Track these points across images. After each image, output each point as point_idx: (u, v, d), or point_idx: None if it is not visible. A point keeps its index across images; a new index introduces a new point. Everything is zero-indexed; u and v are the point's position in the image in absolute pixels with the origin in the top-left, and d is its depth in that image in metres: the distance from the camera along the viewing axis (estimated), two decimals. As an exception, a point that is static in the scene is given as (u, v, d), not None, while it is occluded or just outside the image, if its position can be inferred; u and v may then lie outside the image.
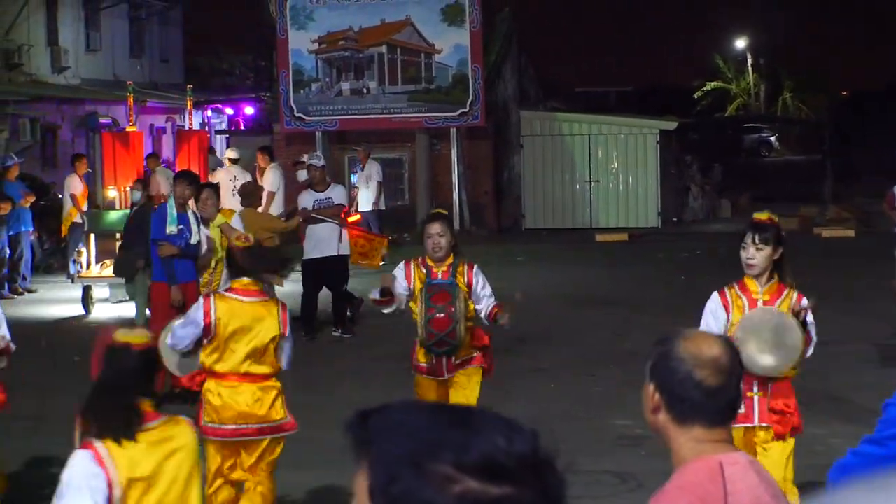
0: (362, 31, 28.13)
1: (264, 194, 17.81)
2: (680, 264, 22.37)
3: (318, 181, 15.38)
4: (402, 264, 8.45)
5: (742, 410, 6.19)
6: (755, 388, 6.71)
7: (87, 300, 17.70)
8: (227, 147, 28.78)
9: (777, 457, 6.73)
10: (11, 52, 32.70)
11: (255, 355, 7.51)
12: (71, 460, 5.01)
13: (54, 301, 19.11)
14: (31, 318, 17.65)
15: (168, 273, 12.71)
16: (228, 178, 20.64)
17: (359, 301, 15.71)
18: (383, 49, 28.22)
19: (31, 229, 20.32)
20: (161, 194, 19.42)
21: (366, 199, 23.60)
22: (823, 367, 10.49)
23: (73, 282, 18.71)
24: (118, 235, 16.66)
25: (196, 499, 5.22)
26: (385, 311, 8.52)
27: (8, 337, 8.50)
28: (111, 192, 18.91)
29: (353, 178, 25.62)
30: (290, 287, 15.71)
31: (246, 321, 7.50)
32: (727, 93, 64.19)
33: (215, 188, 13.82)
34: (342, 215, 15.50)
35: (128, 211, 17.25)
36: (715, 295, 6.85)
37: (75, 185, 20.44)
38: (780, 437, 6.74)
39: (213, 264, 12.91)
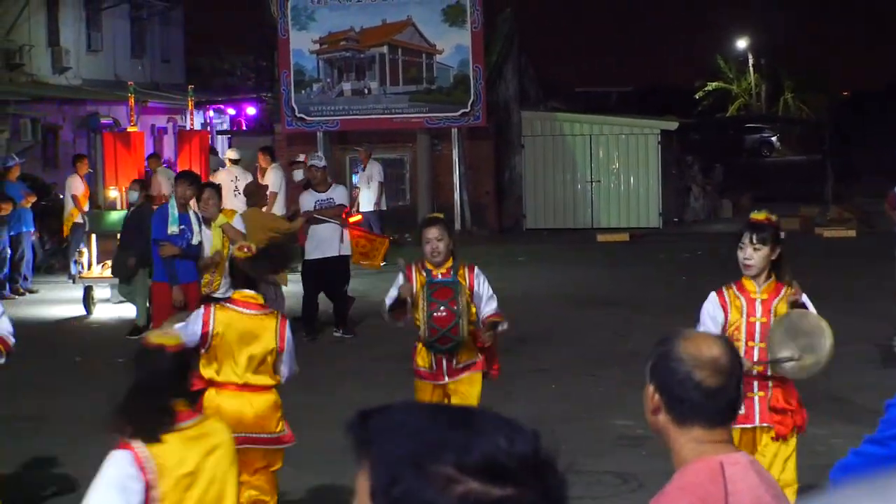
0: (363, 32, 28.14)
1: (268, 193, 17.85)
2: (681, 265, 22.37)
3: (319, 182, 15.37)
4: (403, 269, 8.33)
5: (742, 411, 6.17)
6: (756, 389, 6.70)
7: (88, 300, 17.71)
8: (229, 147, 28.78)
9: (777, 457, 6.72)
10: (12, 53, 32.70)
11: (253, 367, 7.50)
12: (108, 460, 5.02)
13: (55, 301, 19.11)
14: (32, 319, 17.65)
15: (170, 273, 12.71)
16: (230, 179, 20.64)
17: (350, 300, 15.76)
18: (384, 49, 28.22)
19: (32, 230, 20.33)
20: (162, 195, 19.45)
21: (367, 200, 23.62)
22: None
23: (74, 282, 18.72)
24: (119, 236, 16.68)
25: (232, 497, 5.26)
26: (398, 324, 8.47)
27: (10, 330, 8.45)
28: (112, 193, 18.92)
29: (355, 179, 25.64)
30: (291, 287, 15.72)
31: (244, 333, 7.48)
32: (728, 93, 64.20)
33: (217, 188, 13.80)
34: (343, 215, 15.50)
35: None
36: (713, 295, 6.83)
37: (76, 185, 20.45)
38: (781, 437, 6.71)
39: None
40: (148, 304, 15.47)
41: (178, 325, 7.76)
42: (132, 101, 21.29)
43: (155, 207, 15.61)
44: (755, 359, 6.70)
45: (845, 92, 68.17)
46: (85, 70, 36.06)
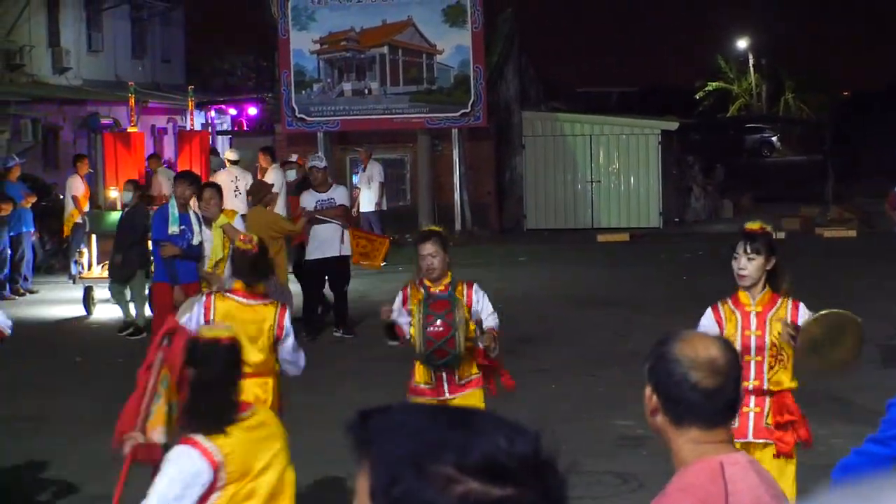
0: (364, 32, 28.13)
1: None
2: (681, 265, 22.37)
3: (319, 182, 15.38)
4: (399, 292, 8.20)
5: (736, 425, 6.07)
6: (752, 404, 6.60)
7: (88, 301, 17.71)
8: (230, 148, 28.78)
9: (777, 476, 6.64)
10: (13, 53, 32.72)
11: (253, 356, 7.53)
12: (172, 455, 5.06)
13: (55, 302, 19.12)
14: (32, 319, 17.66)
15: (170, 273, 12.71)
16: (229, 179, 20.64)
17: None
18: (385, 50, 28.22)
19: (32, 230, 20.33)
20: (163, 195, 19.46)
21: (368, 200, 23.63)
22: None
23: (74, 282, 18.72)
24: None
25: (292, 485, 5.31)
26: (392, 343, 8.39)
27: (7, 323, 8.46)
28: (112, 193, 18.93)
29: (355, 179, 25.64)
30: (292, 287, 15.71)
31: (244, 322, 7.51)
32: (729, 93, 64.20)
33: (218, 188, 13.78)
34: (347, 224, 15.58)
35: (126, 212, 17.29)
36: (709, 311, 6.76)
37: (77, 185, 20.46)
38: (784, 455, 6.58)
39: (213, 263, 12.91)
40: (148, 305, 15.50)
41: (183, 319, 7.83)
42: (132, 101, 21.31)
43: (155, 208, 15.64)
44: (751, 376, 6.59)
45: (845, 92, 68.19)
46: (85, 70, 36.07)
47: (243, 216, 14.74)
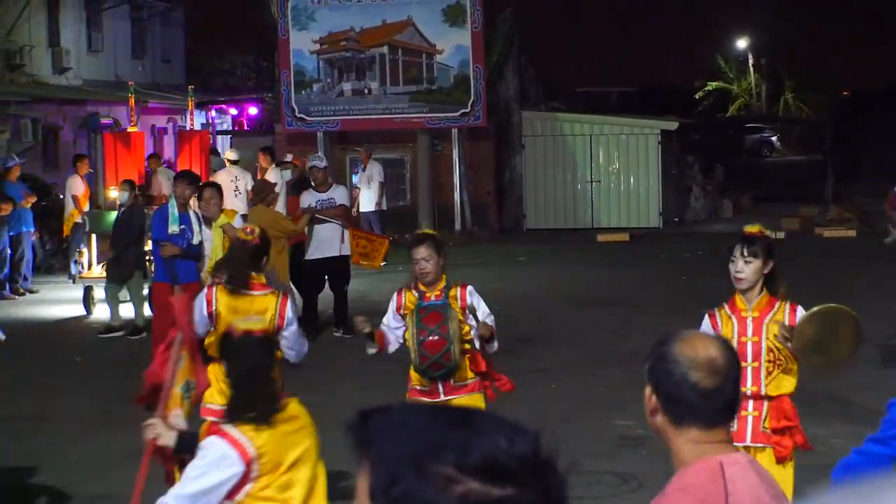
0: (363, 32, 28.13)
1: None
2: (681, 264, 22.37)
3: (320, 182, 15.39)
4: (394, 295, 8.06)
5: (735, 429, 6.04)
6: (750, 408, 6.58)
7: (88, 300, 17.71)
8: (230, 148, 28.79)
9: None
10: (13, 53, 32.71)
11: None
12: (204, 446, 5.09)
13: (55, 301, 19.12)
14: (32, 319, 17.67)
15: (170, 273, 12.70)
16: (229, 179, 20.63)
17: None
18: (385, 49, 28.22)
19: (32, 230, 20.33)
20: (162, 195, 19.46)
21: (367, 200, 23.63)
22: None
23: (74, 282, 18.73)
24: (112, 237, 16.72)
25: (323, 474, 5.32)
26: (371, 350, 8.16)
27: None
28: (113, 193, 18.91)
29: (355, 179, 25.65)
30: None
31: (246, 313, 7.55)
32: (728, 93, 64.21)
33: (219, 188, 13.77)
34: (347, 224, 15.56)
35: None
36: (706, 318, 6.75)
37: (77, 185, 20.46)
38: (781, 460, 6.53)
39: (213, 263, 12.90)
40: (149, 304, 15.49)
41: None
42: (132, 101, 21.30)
43: (155, 207, 15.64)
44: (748, 381, 6.56)
45: (845, 92, 68.19)
46: (85, 70, 36.06)
47: (243, 216, 14.74)
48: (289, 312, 7.65)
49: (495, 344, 7.96)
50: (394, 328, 8.00)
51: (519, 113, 30.02)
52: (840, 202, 30.83)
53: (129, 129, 20.72)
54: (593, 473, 9.11)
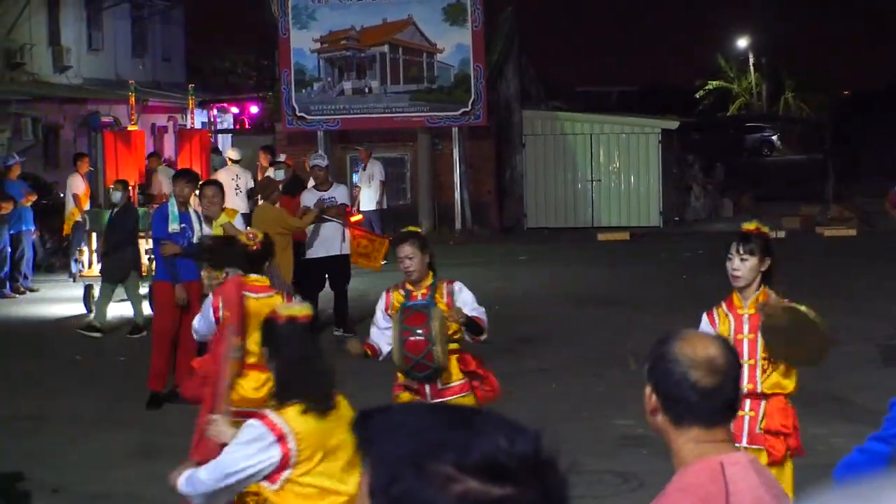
0: (364, 31, 28.14)
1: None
2: (682, 264, 22.36)
3: (320, 181, 15.40)
4: (383, 294, 8.00)
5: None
6: (747, 408, 6.55)
7: (88, 299, 17.70)
8: (231, 146, 28.79)
9: None
10: (13, 52, 32.72)
11: (260, 346, 7.57)
12: (243, 428, 5.14)
13: (56, 300, 19.12)
14: (32, 318, 17.68)
15: (171, 272, 12.70)
16: (230, 178, 20.64)
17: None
18: (385, 48, 28.22)
19: (32, 228, 20.33)
20: (163, 193, 19.46)
21: (368, 199, 23.63)
22: (824, 366, 10.47)
23: (74, 281, 18.73)
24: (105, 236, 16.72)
25: (357, 466, 5.32)
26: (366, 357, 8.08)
27: None
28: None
29: (355, 178, 25.64)
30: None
31: (252, 315, 7.56)
32: (729, 92, 64.22)
33: (221, 186, 13.74)
34: (346, 214, 15.53)
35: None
36: (704, 317, 6.75)
37: (77, 184, 20.46)
38: (775, 463, 6.47)
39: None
40: (149, 304, 15.48)
41: (195, 322, 7.97)
42: (133, 100, 21.30)
43: (155, 206, 15.64)
44: (745, 379, 6.54)
45: (845, 92, 68.21)
46: (86, 69, 36.07)
47: (244, 215, 14.75)
48: None
49: (484, 335, 7.81)
50: (383, 328, 7.91)
51: (519, 112, 30.02)
52: (840, 201, 30.84)
53: (130, 128, 20.72)
54: (594, 473, 9.11)
